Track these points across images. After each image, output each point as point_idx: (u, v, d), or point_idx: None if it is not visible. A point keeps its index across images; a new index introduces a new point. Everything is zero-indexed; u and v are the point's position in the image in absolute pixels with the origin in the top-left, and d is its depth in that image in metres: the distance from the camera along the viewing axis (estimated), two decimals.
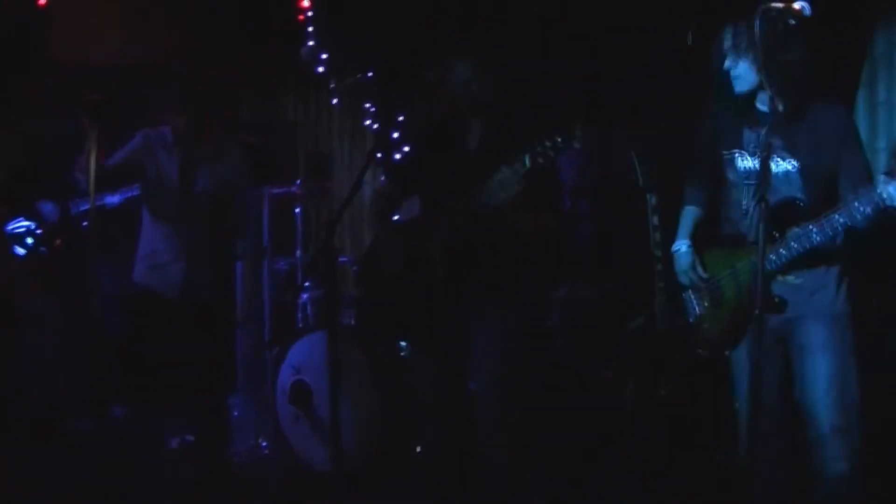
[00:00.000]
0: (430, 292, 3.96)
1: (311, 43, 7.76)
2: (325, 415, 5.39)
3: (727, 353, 3.83)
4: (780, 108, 3.53)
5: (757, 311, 3.03)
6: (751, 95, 3.63)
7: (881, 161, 5.35)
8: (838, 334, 3.61)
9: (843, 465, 3.56)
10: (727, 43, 3.61)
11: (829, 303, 3.62)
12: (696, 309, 3.89)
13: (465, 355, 4.03)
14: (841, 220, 3.38)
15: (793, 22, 3.10)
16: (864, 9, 5.36)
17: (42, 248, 6.41)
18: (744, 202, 3.66)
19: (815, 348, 3.60)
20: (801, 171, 3.57)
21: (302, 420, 5.54)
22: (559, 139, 3.62)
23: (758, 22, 3.15)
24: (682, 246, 3.94)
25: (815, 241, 3.45)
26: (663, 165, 6.23)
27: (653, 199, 5.21)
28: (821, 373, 3.58)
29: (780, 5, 3.09)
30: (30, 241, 6.41)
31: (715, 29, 5.74)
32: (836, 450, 3.56)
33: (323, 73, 7.85)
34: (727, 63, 3.63)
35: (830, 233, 3.42)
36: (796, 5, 3.08)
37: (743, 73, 3.61)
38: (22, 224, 6.43)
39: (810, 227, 3.45)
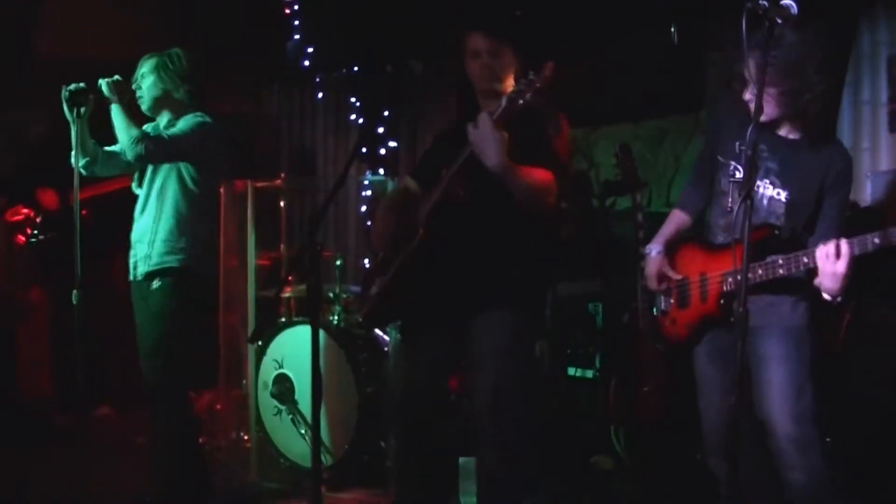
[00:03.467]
0: (417, 270, 3.82)
1: (296, 37, 7.75)
2: (307, 409, 5.40)
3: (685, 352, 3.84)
4: (796, 137, 3.56)
5: (741, 309, 3.03)
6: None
7: (865, 161, 5.38)
8: (794, 346, 3.59)
9: (801, 476, 3.53)
10: (749, 73, 3.55)
11: (786, 315, 3.61)
12: (662, 304, 3.89)
13: (454, 346, 3.91)
14: (805, 260, 3.39)
15: (780, 21, 3.09)
16: (849, 8, 5.37)
17: (41, 237, 6.40)
18: (730, 201, 3.65)
19: (770, 359, 3.58)
20: (789, 202, 3.57)
21: (283, 413, 5.54)
22: (530, 75, 3.49)
23: (744, 21, 3.14)
24: (651, 250, 3.90)
25: (778, 274, 3.46)
26: (647, 164, 6.29)
27: (637, 197, 5.22)
28: (775, 384, 3.56)
29: (766, 3, 3.08)
30: (29, 230, 6.40)
31: (699, 27, 5.82)
32: (792, 460, 3.54)
33: (308, 67, 7.85)
34: (747, 95, 3.58)
35: (794, 270, 3.43)
36: (783, 3, 3.08)
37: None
38: (22, 213, 6.42)
39: (778, 259, 3.46)
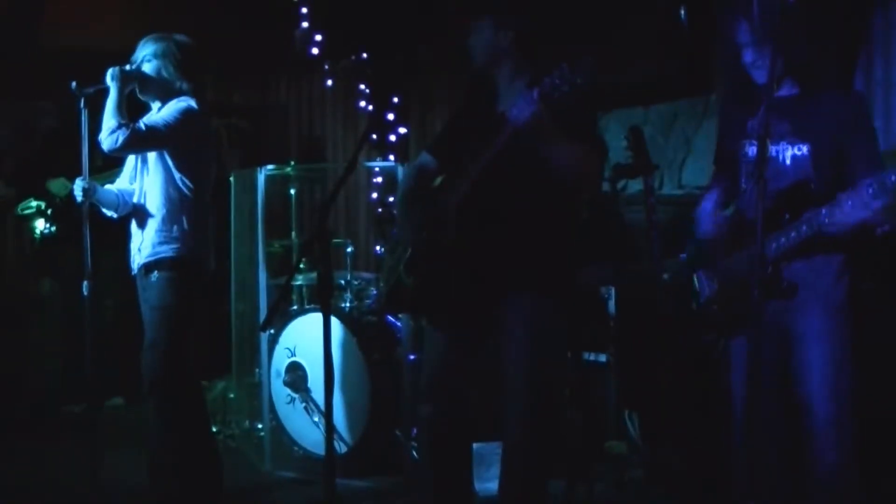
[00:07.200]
0: (446, 260, 3.76)
1: (304, 25, 7.74)
2: (320, 397, 5.39)
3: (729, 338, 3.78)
4: (795, 91, 3.53)
5: (756, 294, 3.00)
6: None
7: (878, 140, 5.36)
8: (836, 325, 3.56)
9: (834, 456, 3.52)
10: (745, 37, 3.54)
11: (829, 290, 3.57)
12: (706, 290, 3.83)
13: (480, 337, 3.89)
14: (849, 202, 3.33)
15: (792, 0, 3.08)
16: None
17: (53, 227, 6.40)
18: (742, 181, 3.63)
19: (811, 337, 3.56)
20: (812, 154, 3.53)
21: (296, 402, 5.54)
22: (566, 67, 3.39)
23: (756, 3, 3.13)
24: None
25: (824, 223, 3.40)
26: (658, 147, 6.27)
27: (648, 180, 5.19)
28: (816, 362, 3.54)
29: None
30: (41, 221, 6.40)
31: (708, 6, 5.79)
32: (828, 440, 3.53)
33: (317, 55, 7.84)
34: (748, 57, 3.57)
35: (838, 214, 3.38)
36: None
37: (765, 65, 3.55)
38: (32, 204, 6.42)
39: (822, 209, 3.41)
